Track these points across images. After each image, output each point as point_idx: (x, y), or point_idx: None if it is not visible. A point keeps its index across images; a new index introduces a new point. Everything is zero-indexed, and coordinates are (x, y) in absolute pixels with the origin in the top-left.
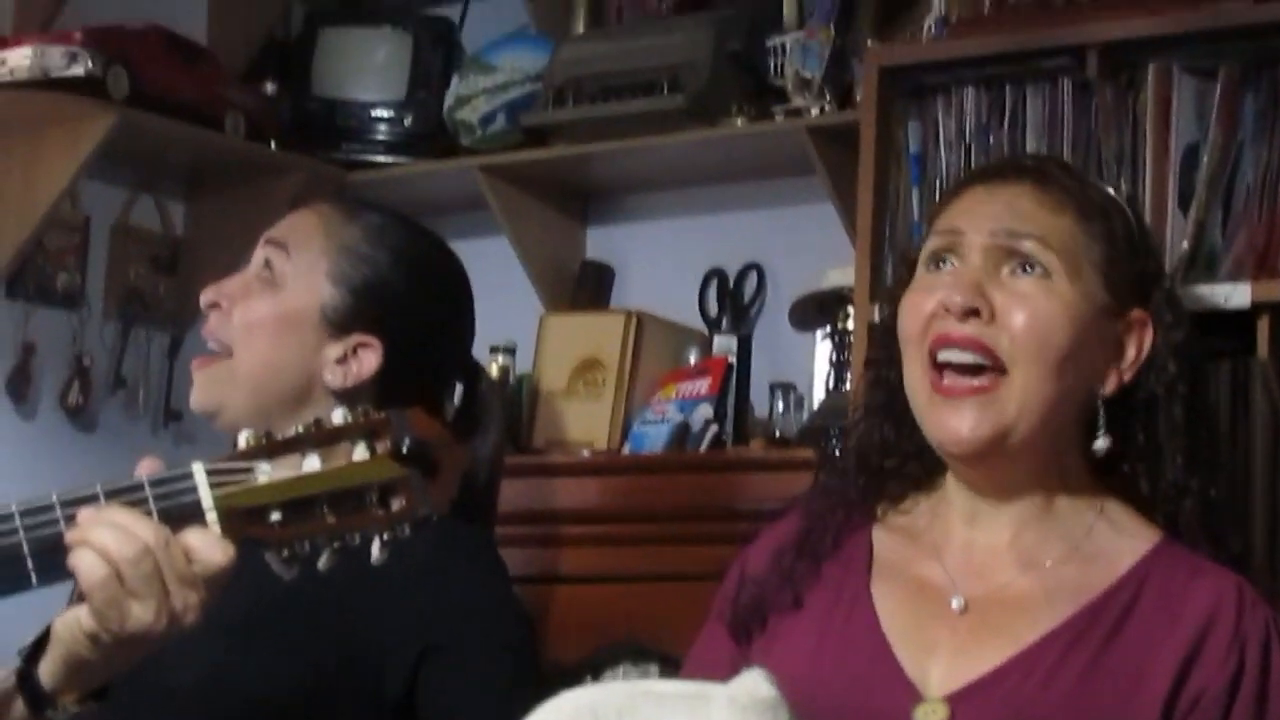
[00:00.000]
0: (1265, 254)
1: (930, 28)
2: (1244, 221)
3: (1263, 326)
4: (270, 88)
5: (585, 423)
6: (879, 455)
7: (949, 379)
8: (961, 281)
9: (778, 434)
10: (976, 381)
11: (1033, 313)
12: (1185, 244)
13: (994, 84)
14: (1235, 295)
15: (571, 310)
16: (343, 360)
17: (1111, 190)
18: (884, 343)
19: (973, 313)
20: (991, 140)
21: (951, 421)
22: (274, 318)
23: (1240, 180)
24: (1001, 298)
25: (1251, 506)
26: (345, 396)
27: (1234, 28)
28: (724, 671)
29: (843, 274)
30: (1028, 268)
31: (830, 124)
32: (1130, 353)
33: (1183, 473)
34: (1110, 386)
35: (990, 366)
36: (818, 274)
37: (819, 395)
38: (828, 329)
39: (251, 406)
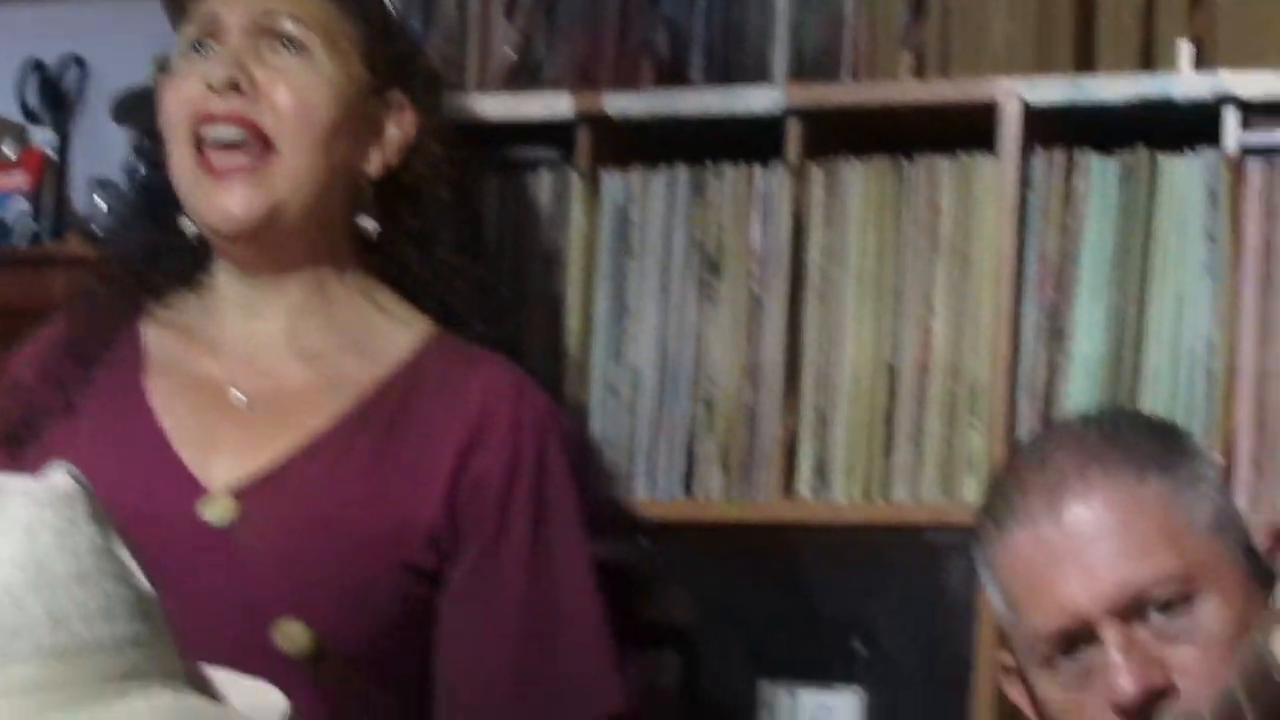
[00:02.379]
0: (587, 66)
1: None
2: (568, 33)
3: (583, 138)
4: None
5: None
6: (144, 256)
7: (216, 159)
8: (222, 60)
9: (97, 231)
10: (245, 160)
11: (295, 88)
12: (510, 52)
13: None
14: (558, 106)
15: None
16: None
17: None
18: (141, 145)
19: (235, 87)
20: None
21: (222, 201)
22: None
23: None
24: (264, 74)
25: (563, 319)
26: None
27: None
28: None
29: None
30: (288, 45)
31: None
32: (393, 134)
33: (453, 253)
34: (375, 168)
35: (256, 144)
36: (144, 68)
37: None
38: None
39: None
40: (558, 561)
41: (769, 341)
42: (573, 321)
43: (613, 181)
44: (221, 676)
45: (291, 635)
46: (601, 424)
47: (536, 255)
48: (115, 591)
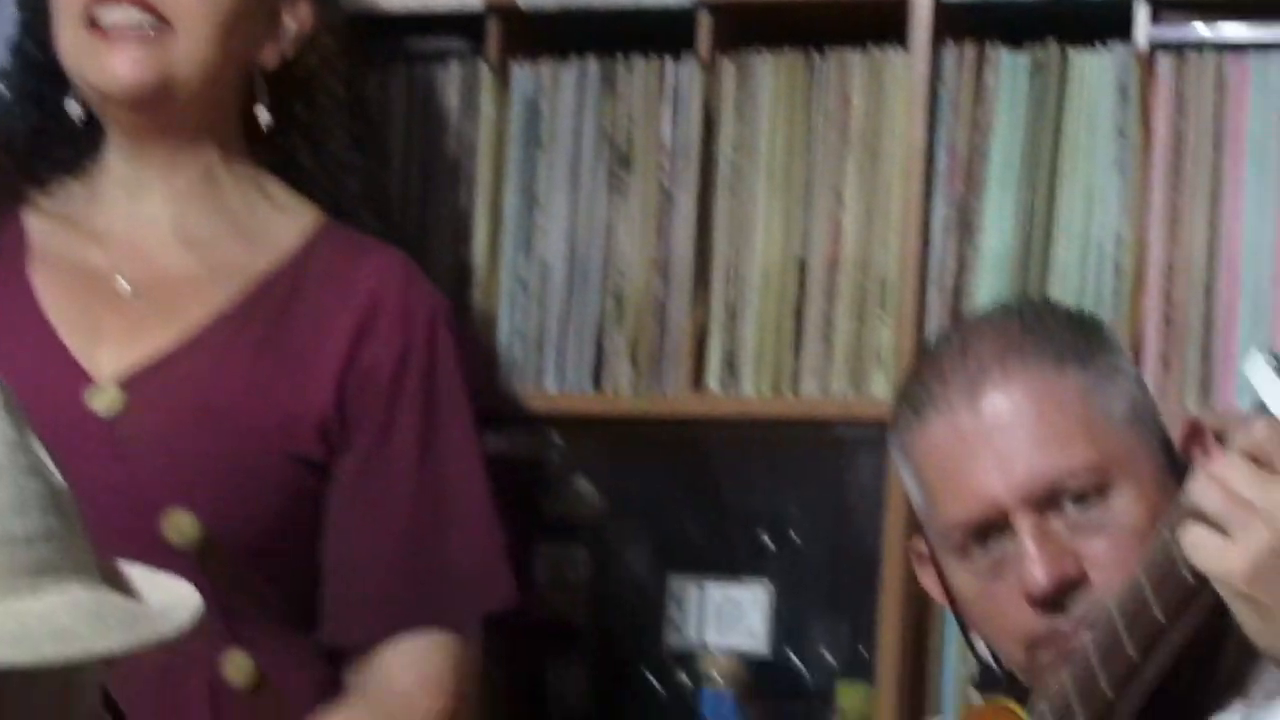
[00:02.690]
0: None
1: None
2: None
3: (493, 29)
4: None
5: None
6: (27, 143)
7: (110, 32)
8: None
9: None
10: (140, 35)
11: None
12: None
13: None
14: None
15: None
16: None
17: None
18: (29, 25)
19: None
20: None
21: (112, 63)
22: None
23: None
24: None
25: (472, 211)
26: None
27: None
28: None
29: None
30: None
31: None
32: (289, 25)
33: (344, 148)
34: (270, 59)
35: (154, 25)
36: None
37: None
38: None
39: None
40: (448, 455)
41: (679, 235)
42: (482, 214)
43: (522, 73)
44: (135, 571)
45: (179, 526)
46: (510, 317)
47: (445, 147)
48: (28, 485)
